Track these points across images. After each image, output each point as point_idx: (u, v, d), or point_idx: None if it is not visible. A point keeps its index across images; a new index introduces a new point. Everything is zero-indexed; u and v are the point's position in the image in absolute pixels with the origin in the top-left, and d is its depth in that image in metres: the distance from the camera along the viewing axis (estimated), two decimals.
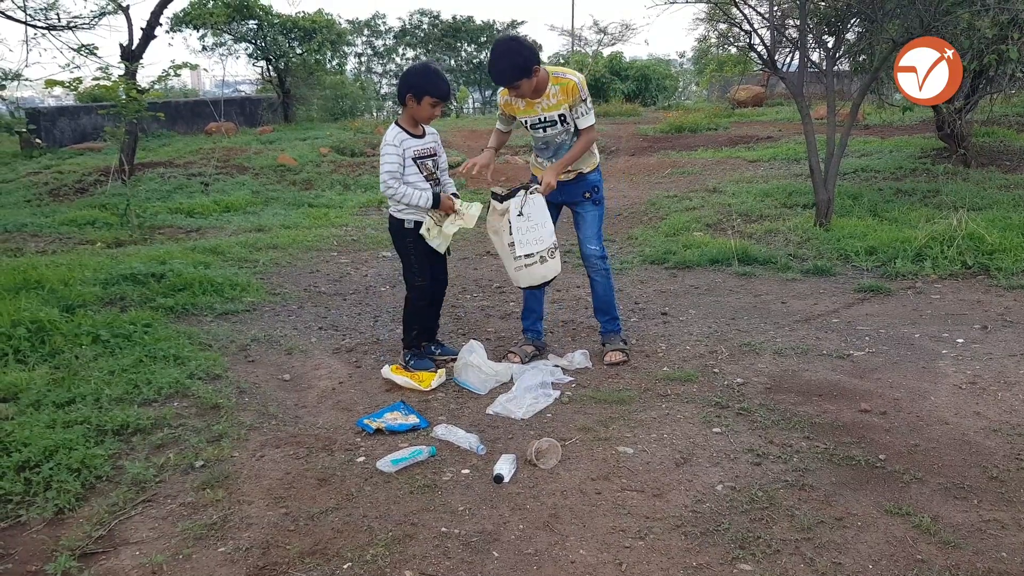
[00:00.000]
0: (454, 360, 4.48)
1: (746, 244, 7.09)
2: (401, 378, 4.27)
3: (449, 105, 26.74)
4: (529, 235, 4.35)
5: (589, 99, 4.38)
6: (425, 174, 4.40)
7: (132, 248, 7.81)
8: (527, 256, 4.37)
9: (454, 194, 4.55)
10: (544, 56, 35.30)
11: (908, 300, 5.66)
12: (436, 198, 4.35)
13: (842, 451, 3.40)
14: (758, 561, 2.65)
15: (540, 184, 4.37)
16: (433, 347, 4.72)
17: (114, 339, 4.73)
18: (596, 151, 4.55)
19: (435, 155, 4.50)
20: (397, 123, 4.36)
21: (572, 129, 4.44)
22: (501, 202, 4.36)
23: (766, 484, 3.15)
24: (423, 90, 4.18)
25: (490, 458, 3.42)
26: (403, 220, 4.41)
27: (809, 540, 2.76)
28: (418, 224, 4.38)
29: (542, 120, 4.41)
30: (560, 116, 4.37)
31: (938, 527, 2.82)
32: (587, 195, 4.57)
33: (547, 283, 4.54)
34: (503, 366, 4.40)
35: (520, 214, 4.33)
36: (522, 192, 4.35)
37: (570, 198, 4.61)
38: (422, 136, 4.40)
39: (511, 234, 4.35)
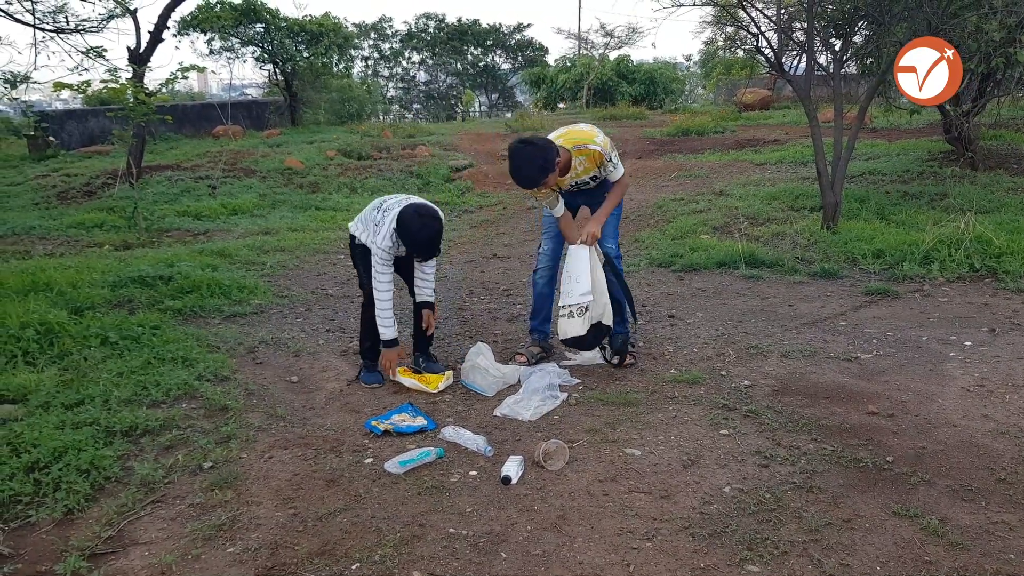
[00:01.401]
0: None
1: (753, 247, 7.08)
2: (409, 380, 4.28)
3: (452, 111, 26.78)
4: (565, 287, 4.43)
5: (615, 156, 4.41)
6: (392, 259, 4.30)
7: (140, 251, 7.84)
8: (562, 307, 4.43)
9: (427, 302, 4.49)
10: (551, 59, 35.34)
11: (915, 303, 5.65)
12: (391, 344, 4.32)
13: (850, 453, 3.40)
14: (766, 563, 2.65)
15: (583, 235, 4.41)
16: (422, 360, 4.62)
17: (123, 341, 4.75)
18: (620, 163, 4.50)
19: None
20: (396, 233, 4.15)
21: (602, 180, 4.52)
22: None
23: (774, 486, 3.14)
24: (407, 245, 4.13)
25: (498, 460, 3.42)
26: (355, 236, 4.39)
27: (817, 542, 2.76)
28: (364, 246, 4.32)
29: (574, 186, 4.52)
30: (592, 177, 4.48)
31: (946, 529, 2.82)
32: (607, 194, 4.58)
33: (576, 343, 4.48)
34: (510, 368, 4.40)
35: (566, 266, 4.46)
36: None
37: (591, 200, 4.64)
38: None
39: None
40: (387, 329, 4.27)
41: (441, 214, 4.22)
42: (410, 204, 4.16)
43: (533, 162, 4.12)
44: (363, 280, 4.41)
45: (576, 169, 4.38)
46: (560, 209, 4.51)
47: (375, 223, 4.22)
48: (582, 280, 4.39)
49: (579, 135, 4.35)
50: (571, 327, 4.39)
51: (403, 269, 4.50)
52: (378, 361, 4.44)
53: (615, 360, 4.57)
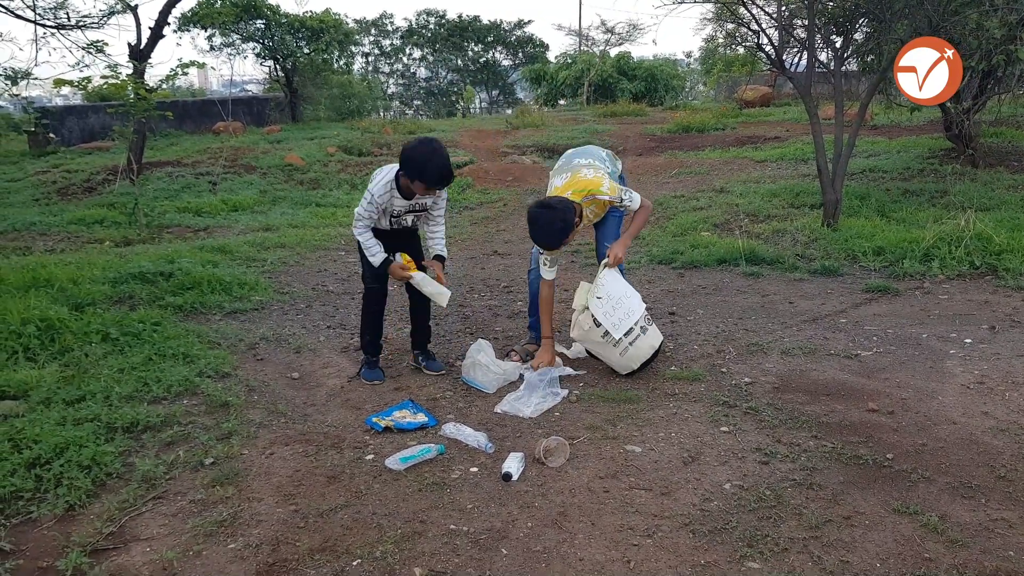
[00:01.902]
0: (441, 374, 4.48)
1: (753, 244, 7.09)
2: (419, 275, 4.27)
3: (452, 108, 26.76)
4: (618, 312, 4.27)
5: (625, 192, 4.39)
6: (396, 227, 4.30)
7: (140, 247, 7.84)
8: (628, 333, 4.25)
9: (439, 256, 4.41)
10: (551, 56, 35.30)
11: (916, 300, 5.65)
12: (385, 264, 4.23)
13: (850, 450, 3.41)
14: (766, 559, 2.66)
15: (608, 258, 4.39)
16: (420, 357, 4.60)
17: (123, 337, 4.76)
18: (633, 193, 4.45)
19: (423, 210, 4.33)
20: (397, 179, 4.11)
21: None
22: (579, 313, 4.36)
23: (774, 483, 3.15)
24: (416, 174, 3.99)
25: (498, 456, 3.43)
26: None
27: (817, 538, 2.77)
28: (374, 229, 4.28)
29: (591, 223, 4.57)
30: (603, 218, 4.55)
31: (946, 526, 2.82)
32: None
33: (654, 356, 4.37)
34: (511, 365, 4.41)
35: (599, 298, 4.29)
36: (599, 271, 4.39)
37: (599, 221, 4.65)
38: (410, 197, 4.19)
39: (599, 325, 4.25)
40: (376, 255, 4.20)
41: None
42: (404, 145, 4.07)
43: (553, 226, 4.13)
44: (364, 273, 4.41)
45: (587, 217, 4.43)
46: (553, 273, 4.49)
47: (374, 177, 4.22)
48: (631, 294, 4.38)
49: (586, 185, 4.31)
50: (651, 341, 4.30)
51: (392, 243, 4.36)
52: (389, 271, 4.27)
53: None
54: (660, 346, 4.39)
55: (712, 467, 3.32)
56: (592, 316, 4.25)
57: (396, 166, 4.11)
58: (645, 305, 4.39)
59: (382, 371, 4.44)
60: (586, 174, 4.38)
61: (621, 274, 4.48)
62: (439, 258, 4.41)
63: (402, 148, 4.06)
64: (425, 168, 3.95)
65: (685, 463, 3.36)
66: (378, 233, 4.27)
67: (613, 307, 4.28)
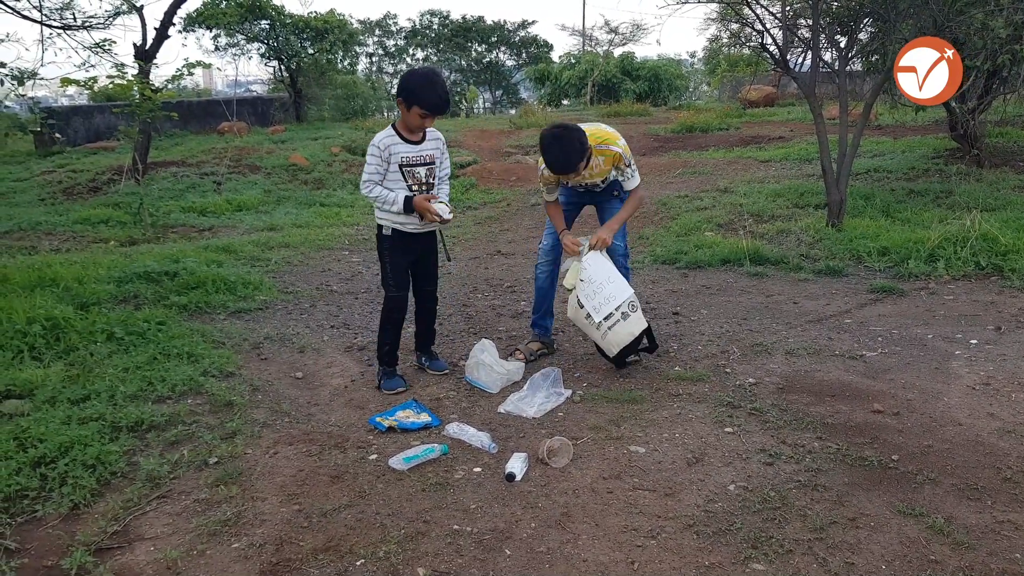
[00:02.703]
0: (444, 374, 4.45)
1: (758, 244, 7.08)
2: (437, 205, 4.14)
3: (456, 108, 26.78)
4: (599, 296, 4.26)
5: (632, 162, 4.39)
6: (411, 183, 4.12)
7: (145, 246, 7.86)
8: (607, 319, 4.25)
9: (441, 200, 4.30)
10: (555, 56, 35.32)
11: (921, 301, 5.64)
12: (408, 201, 4.05)
13: (855, 451, 3.40)
14: (770, 561, 2.65)
15: (593, 240, 4.35)
16: (424, 359, 4.56)
17: (128, 336, 4.76)
18: (637, 173, 4.47)
19: (431, 163, 4.18)
20: (394, 125, 4.10)
21: (610, 179, 4.47)
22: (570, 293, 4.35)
23: (778, 484, 3.14)
24: (413, 99, 3.91)
25: (502, 456, 3.43)
26: (382, 225, 4.21)
27: (822, 540, 2.76)
28: (395, 232, 4.16)
29: (585, 186, 4.49)
30: (603, 180, 4.44)
31: (951, 528, 2.81)
32: (616, 193, 4.58)
33: (639, 342, 4.33)
34: (515, 365, 4.40)
35: (582, 280, 4.29)
36: (582, 253, 4.36)
37: (598, 201, 4.65)
38: (419, 142, 4.11)
39: (582, 306, 4.28)
40: (396, 200, 4.06)
41: None
42: (402, 75, 4.08)
43: (571, 147, 4.05)
44: (386, 278, 4.27)
45: (592, 169, 4.32)
46: (554, 195, 4.51)
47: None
48: (615, 278, 4.34)
49: (603, 134, 4.32)
50: (631, 326, 4.28)
51: (419, 266, 4.35)
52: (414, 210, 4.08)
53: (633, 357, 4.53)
54: (643, 334, 4.34)
55: (716, 468, 3.31)
56: (577, 297, 4.29)
57: (390, 125, 4.12)
58: (632, 291, 4.35)
59: (402, 379, 4.30)
60: (606, 128, 4.40)
61: (608, 258, 4.42)
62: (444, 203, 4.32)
63: (400, 78, 4.06)
64: (422, 90, 3.91)
65: (689, 464, 3.35)
66: (401, 239, 4.19)
67: (594, 291, 4.27)
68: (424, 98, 3.91)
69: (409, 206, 4.06)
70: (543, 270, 4.75)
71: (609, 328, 4.26)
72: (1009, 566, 2.59)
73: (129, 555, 2.77)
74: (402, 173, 4.12)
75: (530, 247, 7.82)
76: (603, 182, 4.46)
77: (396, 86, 4.03)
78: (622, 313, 4.26)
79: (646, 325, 4.36)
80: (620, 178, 4.43)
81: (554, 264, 4.72)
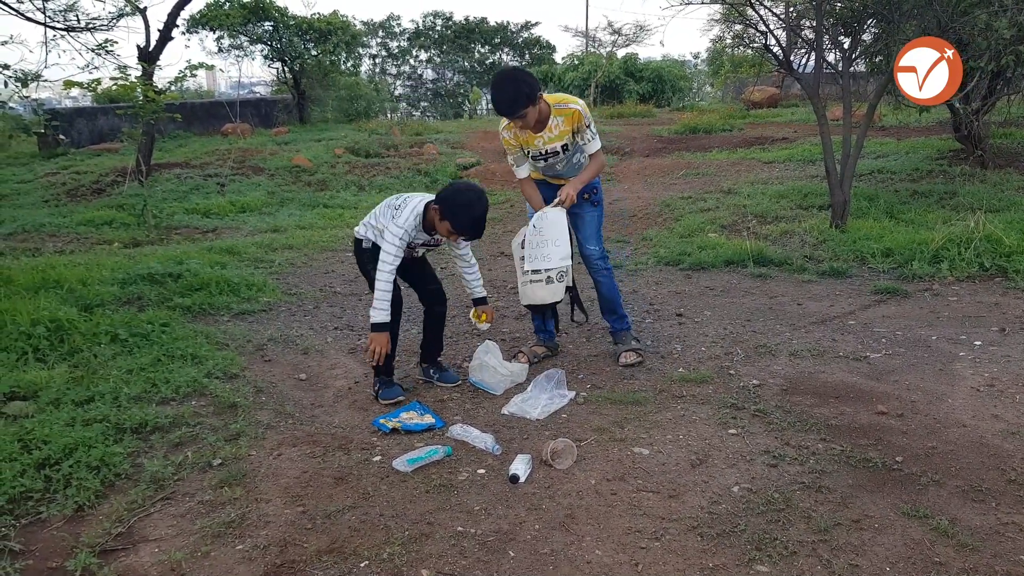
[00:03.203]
0: (455, 386, 4.37)
1: (761, 245, 7.07)
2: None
3: (459, 109, 26.77)
4: (539, 251, 4.24)
5: (593, 124, 4.34)
6: (405, 254, 4.04)
7: (149, 248, 7.87)
8: (534, 272, 4.27)
9: (482, 298, 4.42)
10: (558, 57, 35.33)
11: (925, 302, 5.63)
12: (381, 327, 3.96)
13: (859, 453, 3.39)
14: (775, 563, 2.65)
15: (561, 196, 4.28)
16: (432, 371, 4.46)
17: (132, 338, 4.77)
18: (598, 137, 4.41)
19: (436, 245, 4.21)
20: (426, 212, 3.96)
21: (572, 153, 4.39)
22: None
23: (782, 486, 3.14)
24: (450, 217, 3.86)
25: (506, 458, 3.43)
26: (362, 240, 4.20)
27: (826, 542, 2.76)
28: (375, 246, 4.07)
29: (543, 153, 4.36)
30: (563, 147, 4.33)
31: (956, 530, 2.81)
32: (586, 196, 4.51)
33: (547, 306, 4.44)
34: (519, 366, 4.40)
35: (534, 226, 4.26)
36: (550, 206, 4.31)
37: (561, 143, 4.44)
38: (431, 233, 4.07)
39: (523, 247, 4.30)
40: (381, 312, 3.94)
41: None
42: (451, 183, 3.97)
43: (518, 87, 4.00)
44: (371, 284, 4.17)
45: (551, 130, 4.26)
46: (524, 171, 4.45)
47: (394, 208, 4.02)
48: (562, 244, 4.28)
49: (562, 96, 4.31)
50: (548, 293, 4.29)
51: (410, 274, 4.34)
52: (370, 351, 3.99)
53: (628, 360, 4.53)
54: (553, 304, 4.41)
55: (720, 470, 3.31)
56: (522, 238, 4.29)
57: (423, 198, 3.99)
58: (570, 262, 4.32)
59: (400, 387, 4.24)
60: (565, 94, 4.39)
61: (567, 220, 4.36)
62: (482, 300, 4.41)
63: (449, 184, 4.04)
64: (462, 214, 3.86)
65: (693, 465, 3.35)
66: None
67: (538, 243, 4.24)
68: (459, 222, 3.88)
69: (377, 329, 3.96)
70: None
71: (530, 282, 4.29)
72: (1013, 568, 2.59)
73: (133, 557, 2.77)
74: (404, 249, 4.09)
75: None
76: (564, 150, 4.33)
77: (441, 192, 3.94)
78: (547, 277, 4.26)
79: (559, 299, 4.37)
80: (581, 141, 4.33)
81: None
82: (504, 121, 4.27)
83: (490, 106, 36.86)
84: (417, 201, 3.99)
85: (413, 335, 4.90)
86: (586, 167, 4.43)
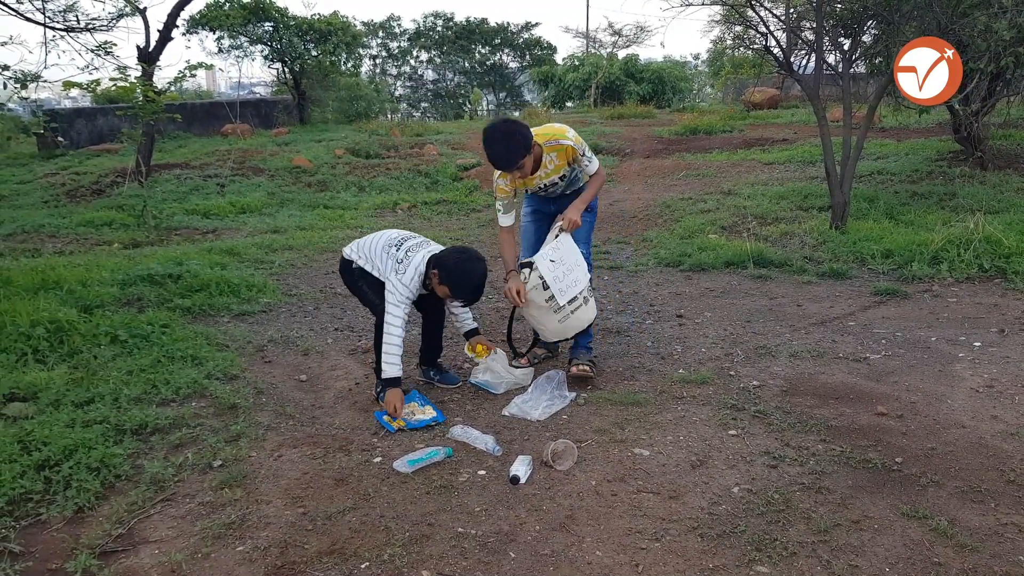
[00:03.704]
0: (456, 387, 4.35)
1: (761, 247, 7.07)
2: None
3: (459, 110, 26.77)
4: (567, 279, 4.17)
5: (587, 149, 4.28)
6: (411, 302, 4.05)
7: (149, 249, 7.87)
8: (571, 302, 4.17)
9: (475, 330, 4.37)
10: (558, 58, 35.32)
11: (925, 303, 5.64)
12: (393, 383, 3.90)
13: (859, 454, 3.39)
14: (775, 563, 2.65)
15: (563, 223, 4.25)
16: (432, 372, 4.44)
17: (132, 339, 4.77)
18: (595, 158, 4.36)
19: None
20: (427, 267, 3.95)
21: (571, 176, 4.37)
22: (531, 268, 4.17)
23: (782, 487, 3.14)
24: (450, 283, 3.92)
25: (506, 459, 3.43)
26: (351, 261, 4.18)
27: (826, 543, 2.76)
28: (362, 269, 4.12)
29: (543, 187, 4.38)
30: (561, 177, 4.33)
31: (955, 530, 2.81)
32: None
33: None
34: (523, 371, 4.38)
35: (552, 261, 4.18)
36: (551, 237, 4.28)
37: (565, 207, 4.43)
38: (428, 289, 4.08)
39: (546, 288, 4.13)
40: (392, 367, 3.90)
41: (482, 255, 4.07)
42: (448, 249, 3.98)
43: (512, 140, 3.93)
44: (371, 299, 4.15)
45: (547, 167, 4.24)
46: (509, 219, 4.39)
47: (397, 260, 3.98)
48: (580, 263, 4.26)
49: (551, 131, 4.22)
50: (590, 311, 4.27)
51: (421, 303, 4.25)
52: (383, 401, 3.94)
53: (580, 371, 4.37)
54: (592, 322, 4.36)
55: (720, 471, 3.31)
56: (541, 277, 4.14)
57: (425, 252, 3.99)
58: (589, 279, 4.31)
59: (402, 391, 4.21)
60: (553, 124, 4.31)
61: (573, 241, 4.32)
62: (474, 331, 4.37)
63: (449, 249, 4.01)
64: (461, 283, 3.93)
65: (693, 466, 3.35)
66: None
67: (564, 272, 4.17)
68: (458, 290, 3.96)
69: (389, 384, 3.92)
70: None
71: (572, 312, 4.19)
72: (1013, 568, 2.59)
73: (134, 558, 2.78)
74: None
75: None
76: (562, 179, 4.33)
77: (442, 257, 3.94)
78: (584, 298, 4.22)
79: (596, 313, 4.36)
80: (578, 168, 4.32)
81: None
82: (496, 172, 4.23)
83: (491, 107, 36.92)
84: (420, 259, 3.96)
85: (414, 336, 4.90)
86: (587, 187, 4.41)
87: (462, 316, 4.39)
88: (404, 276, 3.93)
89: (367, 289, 4.16)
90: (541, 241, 4.52)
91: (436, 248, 4.08)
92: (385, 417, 3.82)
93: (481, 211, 10.59)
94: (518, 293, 4.17)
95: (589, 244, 4.56)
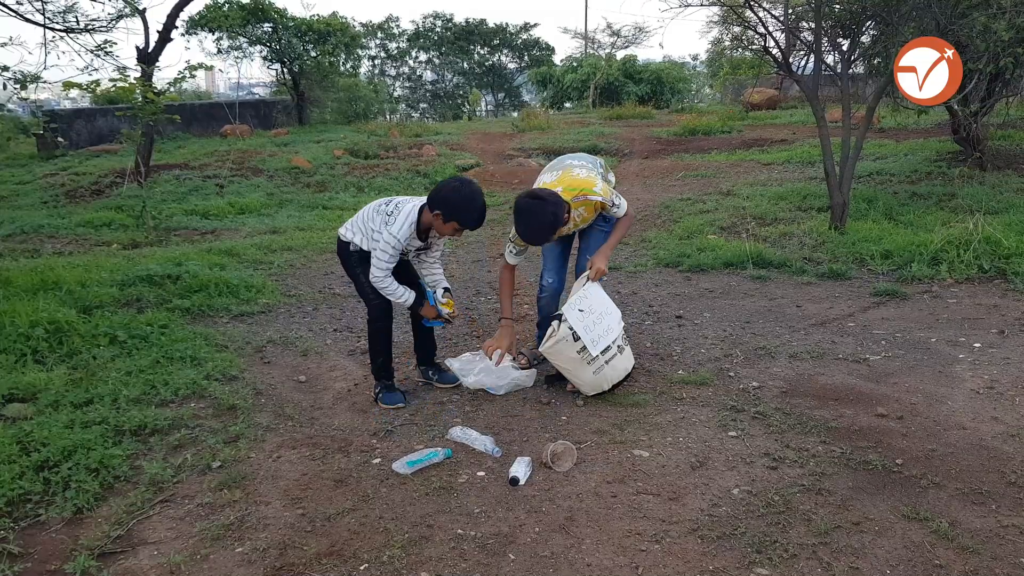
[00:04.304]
0: (455, 386, 4.33)
1: (761, 247, 7.07)
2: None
3: (458, 111, 26.80)
4: (598, 328, 4.02)
5: (615, 197, 4.20)
6: (399, 258, 4.02)
7: (148, 250, 7.86)
8: (605, 351, 4.00)
9: (446, 289, 4.25)
10: (557, 59, 35.31)
11: (924, 304, 5.63)
12: (417, 302, 4.07)
13: (859, 455, 3.39)
14: (775, 565, 2.65)
15: (591, 272, 4.19)
16: (430, 372, 4.42)
17: (131, 340, 4.77)
18: (623, 201, 4.27)
19: (426, 248, 4.18)
20: (419, 218, 3.91)
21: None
22: (560, 320, 4.02)
23: (782, 488, 3.14)
24: (455, 216, 3.82)
25: (505, 460, 3.43)
26: (348, 243, 4.07)
27: (826, 545, 2.76)
28: (363, 251, 4.03)
29: (571, 234, 4.42)
30: (589, 226, 4.33)
31: (956, 532, 2.81)
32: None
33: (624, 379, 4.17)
34: (524, 373, 4.34)
35: (581, 311, 4.04)
36: (578, 285, 4.20)
37: (589, 234, 4.43)
38: (424, 239, 4.07)
39: (577, 339, 3.95)
40: (405, 298, 4.00)
41: None
42: (437, 187, 3.90)
43: (544, 218, 3.88)
44: (364, 288, 4.11)
45: (575, 221, 4.19)
46: (517, 260, 4.36)
47: (386, 215, 3.92)
48: (612, 309, 4.17)
49: (578, 183, 4.12)
50: (626, 360, 4.12)
51: (400, 275, 4.15)
52: (422, 314, 4.15)
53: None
54: (631, 370, 4.22)
55: (720, 472, 3.30)
56: (571, 328, 3.96)
57: (414, 203, 3.93)
58: (623, 327, 4.20)
59: (402, 393, 4.20)
60: (579, 173, 4.23)
61: (601, 287, 4.27)
62: (447, 290, 4.28)
63: (439, 187, 3.91)
64: (467, 210, 3.83)
65: (693, 468, 3.35)
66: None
67: (594, 322, 4.02)
68: (466, 218, 3.86)
69: (414, 307, 4.08)
70: (547, 301, 4.61)
71: (607, 362, 4.01)
72: (1014, 570, 2.59)
73: (132, 560, 2.77)
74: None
75: (533, 250, 7.80)
76: (588, 227, 4.35)
77: (437, 193, 3.86)
78: (618, 347, 4.07)
79: (634, 361, 4.23)
80: (607, 215, 4.27)
81: (557, 296, 4.60)
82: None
83: (489, 107, 36.91)
84: (410, 208, 3.91)
85: (406, 336, 4.88)
86: (614, 229, 4.31)
87: (436, 274, 4.27)
88: (394, 226, 3.86)
89: (364, 279, 4.06)
90: (564, 257, 4.51)
91: (423, 200, 3.98)
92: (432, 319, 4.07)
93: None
94: (500, 352, 4.21)
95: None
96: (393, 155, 14.50)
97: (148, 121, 9.77)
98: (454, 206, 3.82)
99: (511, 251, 4.33)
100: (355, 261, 4.09)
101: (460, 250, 8.05)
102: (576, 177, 4.19)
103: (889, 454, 3.40)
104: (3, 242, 8.57)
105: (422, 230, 3.97)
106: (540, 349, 4.20)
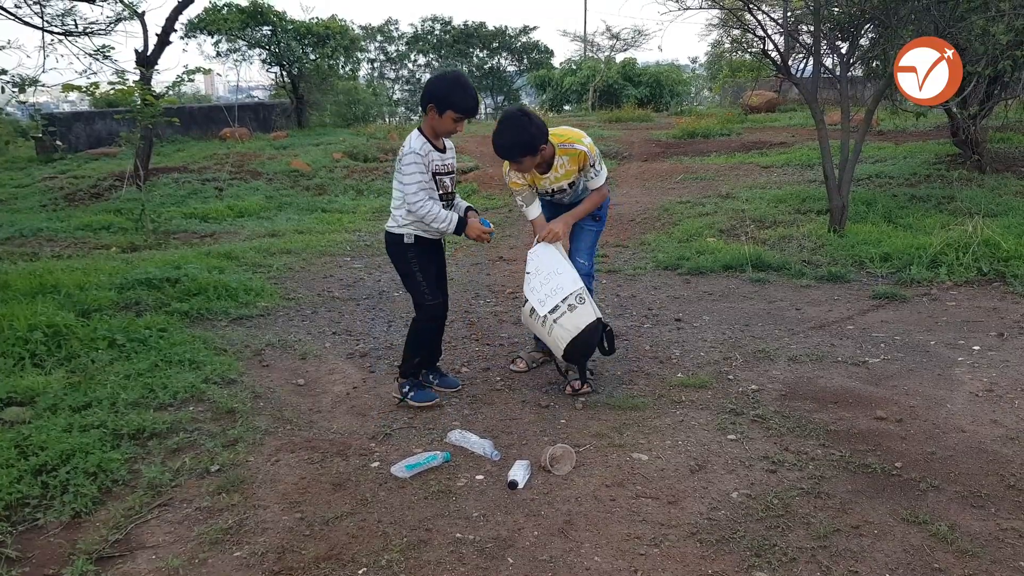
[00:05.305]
0: (455, 390, 4.28)
1: (760, 250, 7.07)
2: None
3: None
4: (546, 287, 4.01)
5: (599, 161, 4.21)
6: (441, 192, 3.92)
7: (147, 253, 7.86)
8: (552, 312, 3.96)
9: (470, 208, 4.17)
10: (556, 62, 35.35)
11: (923, 307, 5.63)
12: (462, 224, 3.92)
13: (858, 459, 3.39)
14: (774, 569, 2.64)
15: (544, 233, 4.16)
16: (432, 376, 4.33)
17: (130, 343, 4.76)
18: (604, 171, 4.30)
19: (453, 172, 4.04)
20: (420, 130, 3.90)
21: (578, 186, 4.28)
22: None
23: (782, 492, 3.13)
24: (447, 103, 3.76)
25: (504, 464, 3.42)
26: (402, 235, 3.94)
27: (825, 548, 2.75)
28: (419, 239, 3.94)
29: (550, 191, 4.29)
30: (570, 185, 4.23)
31: (955, 536, 2.80)
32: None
33: (590, 337, 4.01)
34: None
35: (528, 273, 4.07)
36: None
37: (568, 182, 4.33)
38: (443, 150, 3.96)
39: (526, 301, 4.04)
40: (449, 220, 3.87)
41: None
42: (425, 85, 3.88)
43: (520, 135, 3.86)
44: (419, 287, 4.01)
45: (557, 170, 4.15)
46: (535, 211, 4.27)
47: (399, 165, 3.87)
48: (565, 269, 4.08)
49: (566, 132, 4.13)
50: (578, 318, 3.95)
51: (431, 273, 4.06)
52: (466, 231, 3.95)
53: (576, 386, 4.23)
54: (599, 332, 4.07)
55: (719, 475, 3.30)
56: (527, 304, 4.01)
57: (415, 131, 3.92)
58: (581, 286, 4.05)
59: (433, 390, 4.19)
60: (570, 128, 4.23)
61: (559, 249, 4.20)
62: (472, 208, 4.16)
63: (426, 84, 3.91)
64: (455, 94, 3.77)
65: (692, 471, 3.34)
66: (423, 244, 3.98)
67: (541, 282, 4.01)
68: (458, 102, 3.79)
69: (462, 228, 3.93)
70: None
71: (555, 321, 3.95)
72: (1013, 574, 2.59)
73: (131, 564, 2.77)
74: (435, 181, 3.90)
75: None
76: (571, 186, 4.24)
77: (424, 92, 3.85)
78: (569, 305, 3.96)
79: (596, 316, 4.03)
80: (585, 179, 4.22)
81: None
82: (507, 164, 4.15)
83: (488, 110, 36.90)
84: (414, 132, 3.91)
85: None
86: (585, 199, 4.29)
87: (456, 200, 4.13)
88: (408, 149, 3.82)
89: (418, 270, 3.97)
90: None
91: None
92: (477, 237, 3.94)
93: (480, 214, 10.56)
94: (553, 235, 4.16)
95: (591, 255, 4.48)
96: (392, 158, 14.50)
97: (147, 124, 9.78)
98: (442, 95, 3.79)
99: (521, 204, 4.31)
100: (411, 254, 3.97)
101: (459, 253, 8.05)
102: (568, 128, 4.22)
103: (888, 457, 3.40)
104: (2, 245, 8.56)
105: (431, 137, 3.90)
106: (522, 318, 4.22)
